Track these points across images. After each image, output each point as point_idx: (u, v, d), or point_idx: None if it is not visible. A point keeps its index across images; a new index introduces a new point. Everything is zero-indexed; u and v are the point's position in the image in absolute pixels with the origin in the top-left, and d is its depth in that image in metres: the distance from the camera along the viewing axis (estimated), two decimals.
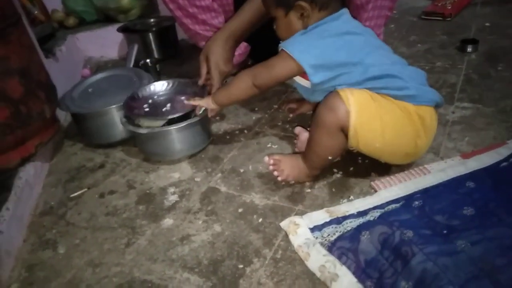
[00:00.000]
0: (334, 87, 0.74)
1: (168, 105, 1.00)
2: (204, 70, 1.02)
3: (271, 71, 0.77)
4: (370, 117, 0.71)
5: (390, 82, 0.71)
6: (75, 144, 1.14)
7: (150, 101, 1.03)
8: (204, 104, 0.88)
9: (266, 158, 0.81)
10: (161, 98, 1.05)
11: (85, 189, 0.94)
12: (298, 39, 0.74)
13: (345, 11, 0.77)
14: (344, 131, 0.73)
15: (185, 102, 0.92)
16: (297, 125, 0.95)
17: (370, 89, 0.72)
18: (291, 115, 1.01)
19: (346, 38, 0.73)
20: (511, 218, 0.60)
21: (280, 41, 0.78)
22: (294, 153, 0.90)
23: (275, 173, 0.81)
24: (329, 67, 0.73)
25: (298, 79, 0.79)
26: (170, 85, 1.09)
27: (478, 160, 0.80)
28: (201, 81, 1.03)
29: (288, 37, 0.77)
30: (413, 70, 0.76)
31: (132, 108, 1.00)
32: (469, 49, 1.30)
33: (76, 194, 0.93)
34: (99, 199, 0.90)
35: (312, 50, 0.72)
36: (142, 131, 0.95)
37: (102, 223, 0.83)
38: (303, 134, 0.91)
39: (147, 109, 0.99)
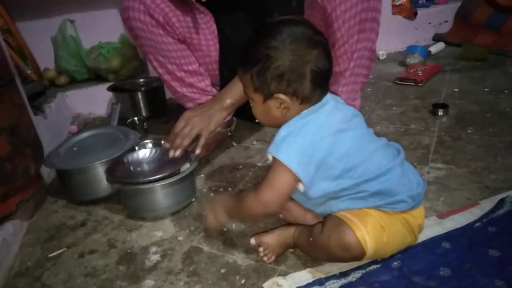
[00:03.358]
0: (332, 199, 0.73)
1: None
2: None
3: (274, 189, 0.70)
4: (382, 247, 0.70)
5: (389, 196, 0.70)
6: (57, 201, 1.13)
7: (138, 168, 1.02)
8: (218, 222, 0.80)
9: (253, 241, 0.80)
10: (147, 166, 1.03)
11: (64, 249, 0.92)
12: (291, 148, 0.68)
13: (329, 99, 0.73)
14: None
15: (206, 218, 0.83)
16: None
17: (373, 207, 0.71)
18: None
19: (335, 139, 0.69)
20: (486, 279, 0.62)
21: (256, 120, 0.78)
22: (280, 224, 0.87)
23: (265, 258, 0.79)
24: (327, 176, 0.70)
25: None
26: (157, 152, 1.06)
27: (454, 220, 0.83)
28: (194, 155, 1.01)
29: (264, 121, 0.76)
30: (398, 162, 0.73)
31: (114, 171, 1.00)
32: (440, 112, 1.39)
33: (54, 254, 0.91)
34: (78, 259, 0.88)
35: (308, 160, 0.68)
36: (127, 187, 0.96)
37: (80, 284, 0.80)
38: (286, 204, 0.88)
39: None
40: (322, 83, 0.71)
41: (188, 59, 1.19)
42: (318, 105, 0.71)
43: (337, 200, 0.73)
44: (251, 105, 0.77)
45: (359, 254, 0.69)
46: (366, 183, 0.69)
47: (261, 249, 0.79)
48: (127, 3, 1.10)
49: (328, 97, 0.73)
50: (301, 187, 0.71)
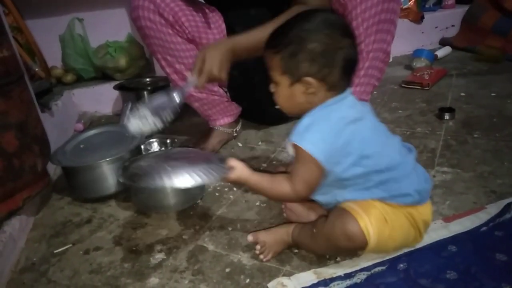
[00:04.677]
0: (338, 188, 0.73)
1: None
2: (197, 68, 0.91)
3: (307, 182, 0.70)
4: (384, 240, 0.70)
5: (394, 188, 0.71)
6: (63, 198, 1.13)
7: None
8: (236, 176, 0.75)
9: (250, 238, 0.81)
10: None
11: (70, 245, 0.92)
12: (316, 137, 0.68)
13: (350, 92, 0.74)
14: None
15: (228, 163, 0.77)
16: None
17: (378, 199, 0.71)
18: None
19: (356, 127, 0.70)
20: (493, 283, 0.61)
21: (276, 106, 0.75)
22: (284, 222, 0.88)
23: (261, 256, 0.80)
24: (340, 163, 0.69)
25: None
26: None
27: (460, 224, 0.83)
28: (191, 76, 0.92)
29: (286, 106, 0.75)
30: (410, 158, 0.75)
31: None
32: (447, 116, 1.38)
33: (60, 250, 0.91)
34: (83, 255, 0.88)
35: (330, 149, 0.68)
36: (139, 185, 0.95)
37: (85, 281, 0.81)
38: (289, 204, 0.89)
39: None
40: (349, 72, 0.71)
41: None
42: (341, 96, 0.72)
43: (344, 190, 0.73)
44: (273, 90, 0.75)
45: (361, 244, 0.69)
46: (376, 174, 0.70)
47: (258, 246, 0.79)
48: (137, 2, 1.11)
49: (350, 90, 0.74)
50: None
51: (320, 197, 0.78)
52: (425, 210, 0.73)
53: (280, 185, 0.72)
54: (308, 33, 0.68)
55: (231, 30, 1.22)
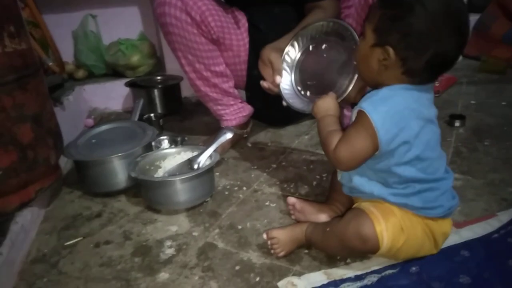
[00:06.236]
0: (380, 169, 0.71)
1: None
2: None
3: (351, 149, 0.68)
4: (396, 248, 0.70)
5: (429, 200, 0.70)
6: (73, 191, 1.14)
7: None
8: (319, 105, 0.79)
9: (265, 236, 0.81)
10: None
11: (80, 238, 0.93)
12: (389, 113, 0.65)
13: (432, 87, 0.71)
14: None
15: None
16: (288, 196, 0.94)
17: (407, 206, 0.70)
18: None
19: (427, 127, 0.68)
20: None
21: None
22: (295, 222, 0.89)
23: (272, 251, 0.80)
24: (398, 149, 0.67)
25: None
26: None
27: (471, 230, 0.83)
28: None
29: (359, 63, 0.72)
30: (450, 178, 0.74)
31: None
32: (457, 123, 1.38)
33: (70, 242, 0.92)
34: (94, 248, 0.89)
35: (395, 133, 0.66)
36: (151, 178, 0.98)
37: (95, 273, 0.81)
38: (298, 204, 0.88)
39: None
40: (435, 70, 0.67)
41: (216, 60, 1.20)
42: (426, 86, 0.69)
43: (382, 187, 0.72)
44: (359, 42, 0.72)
45: (373, 248, 0.69)
46: (419, 182, 0.69)
47: (269, 241, 0.80)
48: None
49: (432, 85, 0.71)
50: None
51: (356, 178, 0.75)
52: (445, 223, 0.74)
53: (332, 138, 0.70)
54: (419, 7, 0.62)
55: (256, 28, 1.22)
